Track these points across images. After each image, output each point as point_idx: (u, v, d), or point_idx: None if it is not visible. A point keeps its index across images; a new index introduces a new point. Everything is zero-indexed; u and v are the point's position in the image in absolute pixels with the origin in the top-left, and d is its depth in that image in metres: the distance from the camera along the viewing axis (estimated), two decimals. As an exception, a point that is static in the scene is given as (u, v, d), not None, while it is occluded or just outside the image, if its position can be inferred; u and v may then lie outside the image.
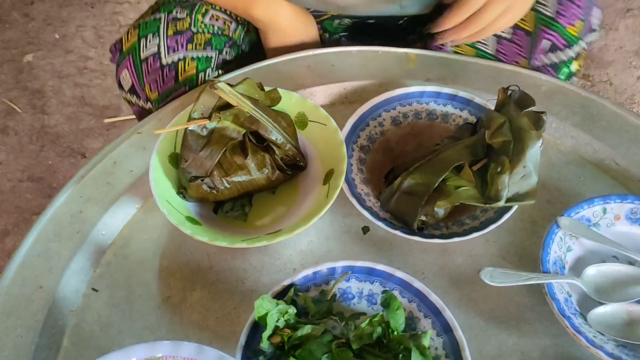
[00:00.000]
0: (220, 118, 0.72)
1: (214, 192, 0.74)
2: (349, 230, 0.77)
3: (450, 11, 0.77)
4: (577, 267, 0.71)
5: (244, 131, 0.73)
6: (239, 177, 0.74)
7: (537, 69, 0.90)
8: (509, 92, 0.73)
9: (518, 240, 0.75)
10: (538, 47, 0.88)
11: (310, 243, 0.76)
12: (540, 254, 0.69)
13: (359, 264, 0.69)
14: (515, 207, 0.71)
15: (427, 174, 0.70)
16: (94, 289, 0.73)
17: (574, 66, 0.91)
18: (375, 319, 0.63)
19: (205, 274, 0.74)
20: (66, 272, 0.72)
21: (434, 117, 0.84)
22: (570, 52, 0.89)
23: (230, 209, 0.77)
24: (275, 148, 0.75)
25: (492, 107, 0.77)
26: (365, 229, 0.77)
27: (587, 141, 0.82)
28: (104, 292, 0.73)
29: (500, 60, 0.91)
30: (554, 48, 0.89)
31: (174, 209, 0.72)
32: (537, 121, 0.71)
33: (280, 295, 0.67)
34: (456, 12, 0.76)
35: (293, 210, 0.76)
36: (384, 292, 0.67)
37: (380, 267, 0.68)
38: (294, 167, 0.77)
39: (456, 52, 0.92)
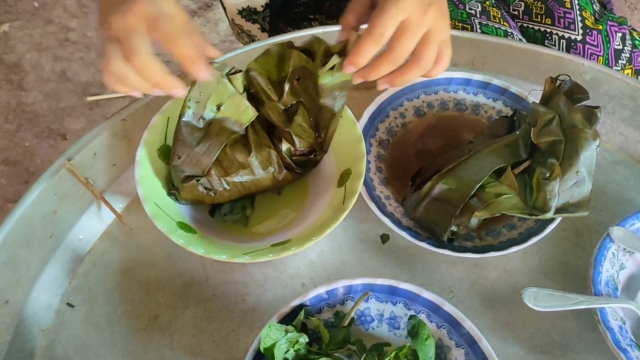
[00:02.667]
0: (218, 107, 0.61)
1: (212, 194, 0.63)
2: (365, 238, 0.67)
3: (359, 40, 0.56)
4: (631, 288, 0.62)
5: (246, 124, 0.62)
6: (241, 177, 0.63)
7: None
8: (558, 82, 0.62)
9: (560, 253, 0.65)
10: (613, 42, 0.84)
11: (322, 253, 0.66)
12: (591, 273, 0.60)
13: (379, 281, 0.59)
14: (559, 217, 0.62)
15: (463, 178, 0.60)
16: (69, 304, 0.64)
17: None
18: (402, 352, 0.54)
19: (199, 289, 0.64)
20: (36, 284, 0.63)
21: (462, 107, 0.73)
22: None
23: (228, 211, 0.67)
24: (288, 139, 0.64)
25: (535, 100, 0.66)
26: (385, 238, 0.67)
27: (638, 139, 0.72)
28: (80, 308, 0.63)
29: None
30: (623, 39, 0.85)
31: (164, 213, 0.62)
32: (590, 117, 0.61)
33: (287, 318, 0.57)
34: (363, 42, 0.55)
35: (302, 215, 0.66)
36: (410, 317, 0.58)
37: (404, 286, 0.59)
38: (304, 164, 0.67)
39: (485, 33, 0.81)
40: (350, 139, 0.65)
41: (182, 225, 0.62)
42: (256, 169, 0.63)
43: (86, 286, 0.65)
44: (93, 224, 0.68)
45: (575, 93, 0.62)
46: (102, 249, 0.67)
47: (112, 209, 0.67)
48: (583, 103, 0.61)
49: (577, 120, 0.59)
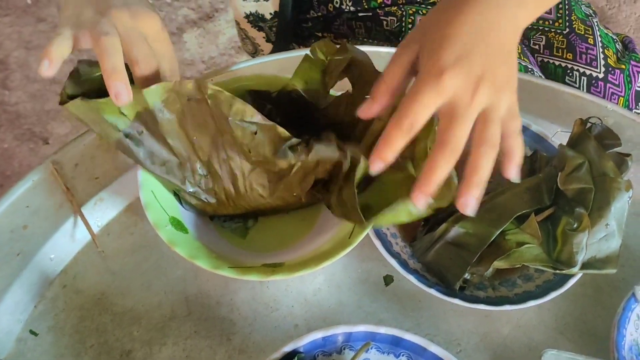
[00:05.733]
0: None
1: (212, 200, 0.58)
2: (367, 278, 0.61)
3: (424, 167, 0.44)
4: (655, 354, 0.57)
5: None
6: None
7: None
8: (588, 124, 0.58)
9: (578, 310, 0.60)
10: (634, 83, 0.80)
11: (318, 292, 0.60)
12: (614, 335, 0.54)
13: (382, 330, 0.53)
14: (582, 273, 0.56)
15: (482, 222, 0.54)
16: (32, 332, 0.57)
17: None
18: (406, 414, 0.48)
19: (180, 324, 0.57)
20: (-3, 306, 0.56)
21: (478, 143, 0.68)
22: None
23: (229, 218, 0.61)
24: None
25: (558, 141, 0.62)
26: (388, 279, 0.61)
27: (663, 190, 0.68)
28: (45, 337, 0.56)
29: None
30: None
31: (159, 204, 0.55)
32: (619, 166, 0.56)
33: (278, 365, 0.51)
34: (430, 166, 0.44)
35: (305, 240, 0.60)
36: (416, 375, 0.52)
37: (409, 337, 0.53)
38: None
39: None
40: None
41: (175, 222, 0.56)
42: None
43: (53, 312, 0.58)
44: (67, 243, 0.61)
45: (606, 138, 0.57)
46: (74, 272, 0.60)
47: (88, 227, 0.61)
48: (614, 150, 0.57)
49: (609, 168, 0.54)
